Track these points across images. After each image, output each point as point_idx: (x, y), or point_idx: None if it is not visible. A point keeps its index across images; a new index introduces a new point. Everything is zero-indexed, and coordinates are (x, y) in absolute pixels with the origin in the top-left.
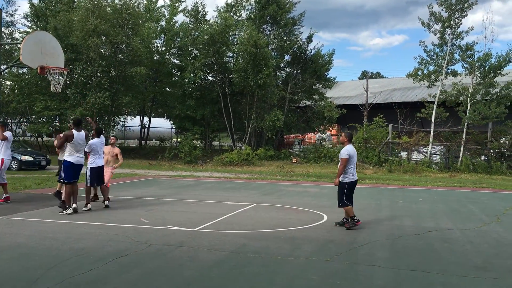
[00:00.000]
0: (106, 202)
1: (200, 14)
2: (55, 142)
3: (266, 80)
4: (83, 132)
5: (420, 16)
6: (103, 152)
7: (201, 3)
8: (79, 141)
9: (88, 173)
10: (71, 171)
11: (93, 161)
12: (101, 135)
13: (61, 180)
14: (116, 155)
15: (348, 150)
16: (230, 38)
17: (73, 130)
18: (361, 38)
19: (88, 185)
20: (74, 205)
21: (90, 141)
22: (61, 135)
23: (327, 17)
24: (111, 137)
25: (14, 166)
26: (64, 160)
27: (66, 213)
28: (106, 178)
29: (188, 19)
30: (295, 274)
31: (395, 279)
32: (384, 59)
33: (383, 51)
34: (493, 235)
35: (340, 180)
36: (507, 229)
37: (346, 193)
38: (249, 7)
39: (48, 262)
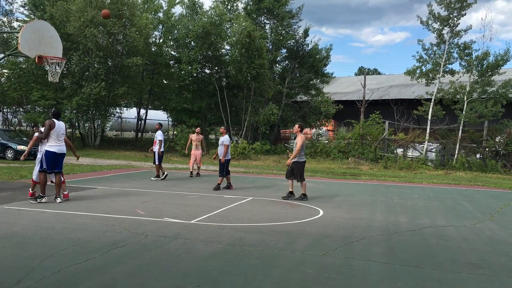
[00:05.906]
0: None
1: (196, 6)
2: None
3: (259, 71)
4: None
5: (420, 15)
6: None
7: None
8: (59, 130)
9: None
10: (53, 160)
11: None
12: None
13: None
14: (201, 140)
15: (228, 138)
16: (227, 30)
17: (53, 119)
18: (363, 34)
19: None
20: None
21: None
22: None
23: (331, 13)
24: (197, 128)
25: (10, 155)
26: (46, 150)
27: (41, 202)
28: (198, 158)
29: (185, 11)
30: (291, 268)
31: (390, 274)
32: (384, 56)
33: (385, 48)
34: (487, 232)
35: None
36: (501, 227)
37: (225, 167)
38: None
39: (44, 252)
